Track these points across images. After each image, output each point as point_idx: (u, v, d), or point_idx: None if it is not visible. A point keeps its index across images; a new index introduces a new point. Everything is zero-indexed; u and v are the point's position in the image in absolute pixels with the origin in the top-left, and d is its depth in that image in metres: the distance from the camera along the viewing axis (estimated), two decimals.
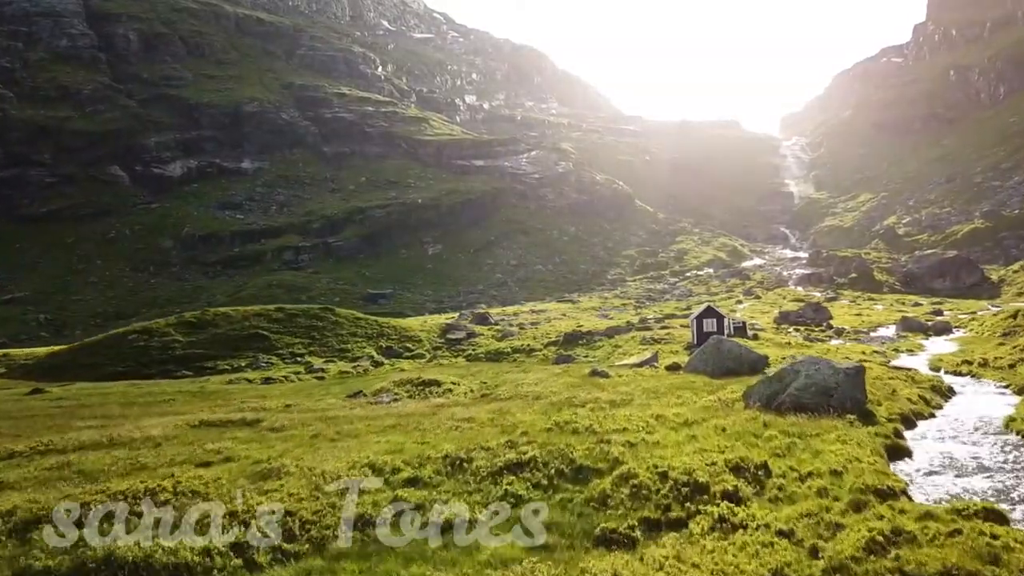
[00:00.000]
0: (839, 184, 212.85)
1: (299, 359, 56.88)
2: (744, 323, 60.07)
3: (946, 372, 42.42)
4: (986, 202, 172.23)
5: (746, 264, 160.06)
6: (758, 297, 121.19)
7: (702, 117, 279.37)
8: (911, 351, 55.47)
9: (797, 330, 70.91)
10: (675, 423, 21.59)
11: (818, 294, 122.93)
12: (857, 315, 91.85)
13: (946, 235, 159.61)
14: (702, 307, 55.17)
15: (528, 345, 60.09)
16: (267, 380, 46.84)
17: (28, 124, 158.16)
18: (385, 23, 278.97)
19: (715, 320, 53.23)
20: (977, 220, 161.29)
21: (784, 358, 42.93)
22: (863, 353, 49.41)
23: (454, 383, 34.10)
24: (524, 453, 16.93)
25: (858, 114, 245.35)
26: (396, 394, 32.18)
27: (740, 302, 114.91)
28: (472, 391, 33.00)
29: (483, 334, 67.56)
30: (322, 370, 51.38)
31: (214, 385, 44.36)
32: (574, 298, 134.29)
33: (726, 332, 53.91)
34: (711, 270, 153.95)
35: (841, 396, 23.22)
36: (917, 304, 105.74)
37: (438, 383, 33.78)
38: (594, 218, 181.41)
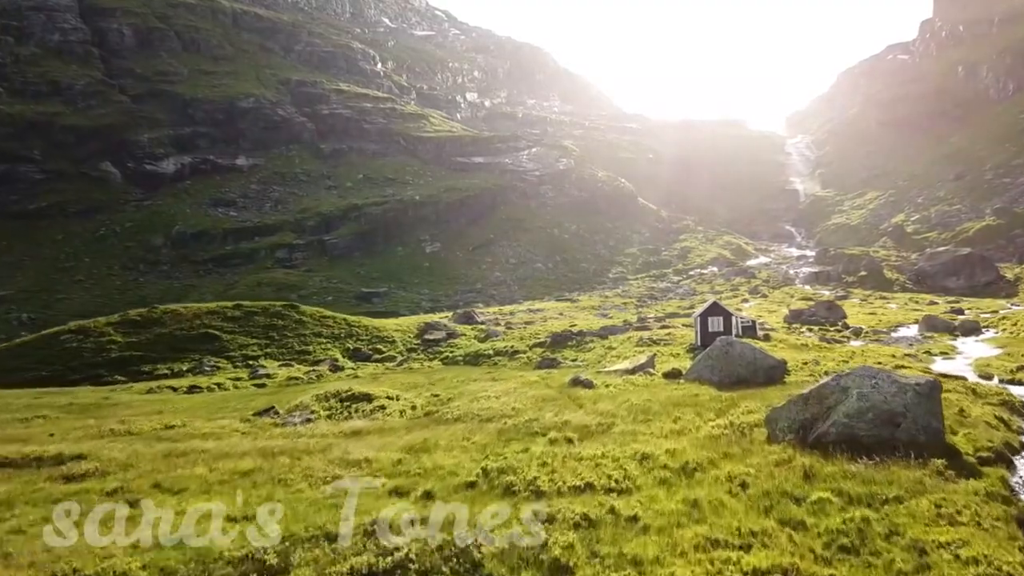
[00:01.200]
0: (845, 182, 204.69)
1: (251, 362, 49.26)
2: (754, 322, 52.21)
3: (1001, 380, 34.60)
4: (997, 199, 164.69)
5: (751, 262, 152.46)
6: (764, 296, 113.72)
7: (706, 115, 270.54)
8: (944, 354, 47.60)
9: (811, 330, 63.15)
10: (668, 470, 13.98)
11: (827, 292, 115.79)
12: (871, 314, 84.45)
13: (956, 233, 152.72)
14: (707, 304, 47.28)
15: (512, 347, 52.31)
16: (193, 388, 39.24)
17: (18, 119, 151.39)
18: (386, 20, 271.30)
19: (721, 318, 45.32)
20: (988, 217, 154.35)
21: (805, 363, 35.23)
22: (893, 356, 41.59)
23: (390, 398, 26.36)
24: (392, 552, 9.34)
25: (865, 111, 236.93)
26: (313, 412, 24.66)
27: (746, 300, 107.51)
28: (414, 408, 25.44)
29: (465, 334, 59.82)
30: (267, 376, 43.61)
31: (126, 395, 36.77)
32: (574, 297, 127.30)
33: (734, 332, 46.16)
34: (715, 268, 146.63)
35: (911, 426, 15.49)
36: (933, 303, 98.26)
37: (369, 398, 26.11)
38: (596, 216, 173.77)
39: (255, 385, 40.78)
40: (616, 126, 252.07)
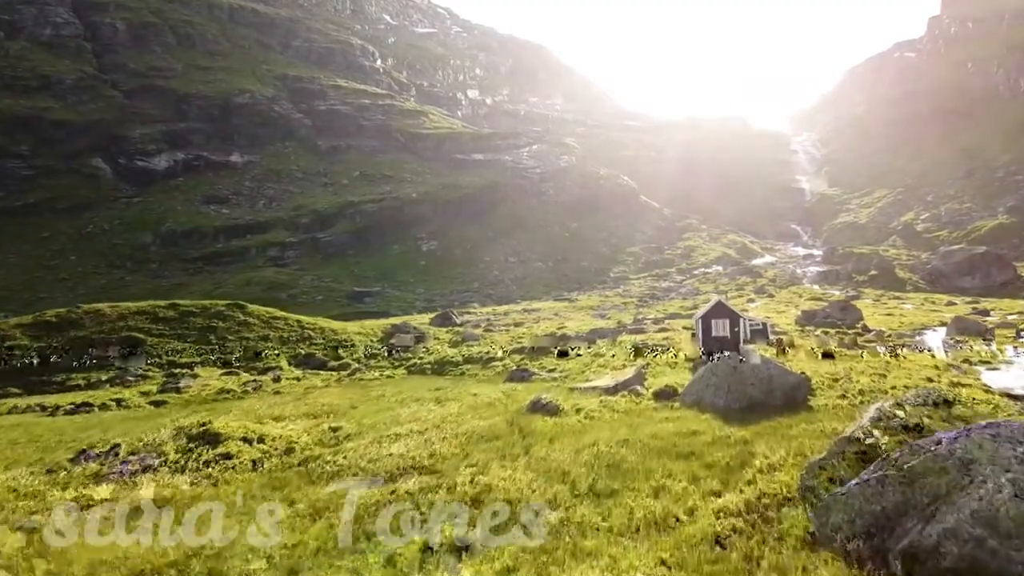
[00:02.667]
0: (853, 180, 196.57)
1: (182, 370, 41.59)
2: (765, 324, 44.40)
3: None
4: (1009, 197, 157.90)
5: (757, 262, 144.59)
6: (771, 296, 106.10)
7: (710, 113, 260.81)
8: (987, 363, 39.81)
9: (826, 332, 55.49)
10: None
11: (837, 292, 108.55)
12: (888, 315, 76.81)
13: (968, 231, 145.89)
14: (710, 303, 39.42)
15: (486, 353, 44.68)
16: (83, 406, 31.45)
17: (6, 115, 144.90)
18: (387, 17, 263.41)
19: (727, 321, 37.50)
20: (1001, 216, 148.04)
21: (834, 379, 27.62)
22: (936, 367, 33.94)
23: (247, 441, 18.37)
24: None
25: (872, 109, 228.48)
26: (161, 455, 17.17)
27: (752, 301, 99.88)
28: (290, 451, 17.93)
29: (439, 338, 52.21)
30: (177, 390, 35.79)
31: None
32: (573, 297, 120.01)
33: (742, 336, 38.46)
34: (720, 267, 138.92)
35: None
36: (951, 303, 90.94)
37: (217, 439, 18.37)
38: (597, 214, 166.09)
39: (160, 403, 33.00)
40: (619, 124, 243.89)
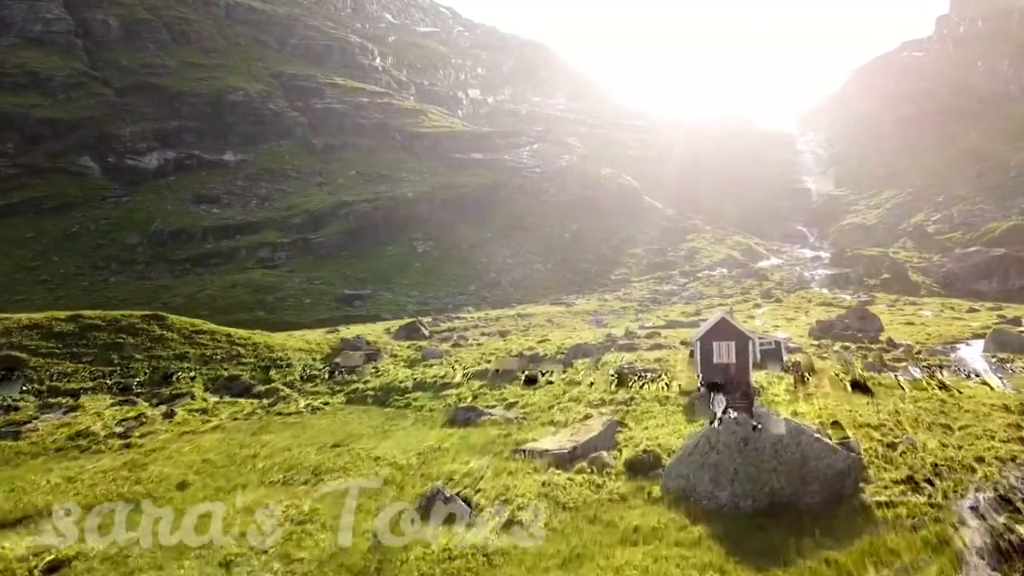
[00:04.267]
0: (860, 181, 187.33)
1: (56, 399, 32.82)
2: (779, 343, 35.55)
3: None
4: (1023, 198, 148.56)
5: (762, 264, 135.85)
6: (779, 300, 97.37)
7: (714, 113, 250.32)
8: None
9: (846, 348, 46.95)
10: None
11: (848, 297, 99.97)
12: (909, 324, 68.29)
13: (982, 233, 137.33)
14: (712, 321, 30.49)
15: (443, 377, 36.07)
16: None
17: None
18: (388, 16, 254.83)
19: (732, 344, 28.57)
20: (1016, 217, 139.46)
21: (885, 442, 19.34)
22: (1006, 408, 25.16)
23: None
24: None
25: (880, 108, 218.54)
26: None
27: (758, 306, 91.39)
28: None
29: (396, 355, 43.77)
30: (16, 435, 26.70)
31: None
32: (571, 300, 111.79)
33: (751, 360, 29.80)
34: (724, 270, 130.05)
35: None
36: (973, 310, 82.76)
37: None
38: (598, 214, 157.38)
39: None
40: (622, 124, 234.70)
